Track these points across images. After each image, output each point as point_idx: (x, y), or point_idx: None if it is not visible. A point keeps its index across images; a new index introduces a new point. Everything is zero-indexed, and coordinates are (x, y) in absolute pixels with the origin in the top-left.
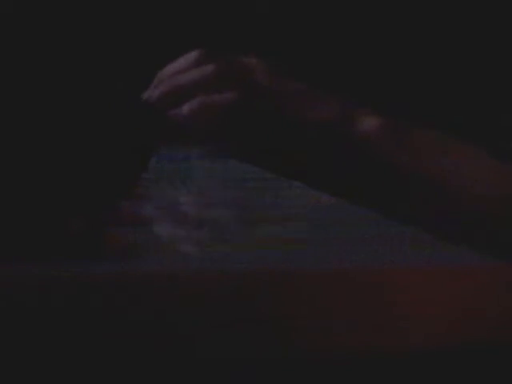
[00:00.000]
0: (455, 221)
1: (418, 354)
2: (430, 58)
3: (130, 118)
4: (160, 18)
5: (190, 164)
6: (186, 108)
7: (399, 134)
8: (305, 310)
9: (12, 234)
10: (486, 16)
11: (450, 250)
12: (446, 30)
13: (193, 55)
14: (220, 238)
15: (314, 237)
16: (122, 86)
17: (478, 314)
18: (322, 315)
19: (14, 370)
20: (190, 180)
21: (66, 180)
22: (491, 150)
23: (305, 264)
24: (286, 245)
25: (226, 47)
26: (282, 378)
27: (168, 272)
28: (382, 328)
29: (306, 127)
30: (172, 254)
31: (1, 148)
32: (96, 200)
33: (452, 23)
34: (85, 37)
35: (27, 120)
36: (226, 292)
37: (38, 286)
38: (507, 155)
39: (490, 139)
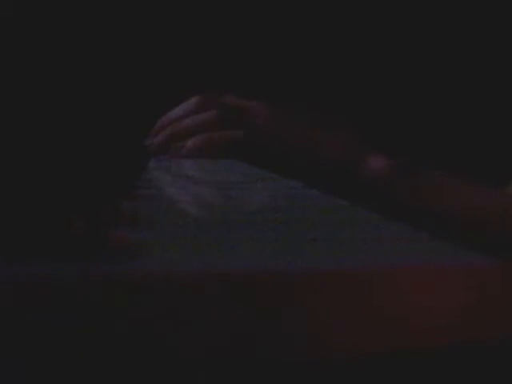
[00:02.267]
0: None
1: (417, 354)
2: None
3: (129, 121)
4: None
5: (190, 164)
6: (189, 144)
7: (406, 175)
8: (304, 310)
9: (12, 234)
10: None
11: (449, 250)
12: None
13: (192, 101)
14: (219, 238)
15: (314, 237)
16: (121, 88)
17: (478, 314)
18: (322, 315)
19: (14, 370)
20: (191, 180)
21: (66, 180)
22: (494, 184)
23: (305, 264)
24: (286, 245)
25: (225, 86)
26: (282, 378)
27: (168, 272)
28: (381, 328)
29: (312, 168)
30: (172, 253)
31: (1, 149)
32: (96, 200)
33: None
34: (84, 37)
35: (28, 121)
36: (226, 292)
37: (37, 285)
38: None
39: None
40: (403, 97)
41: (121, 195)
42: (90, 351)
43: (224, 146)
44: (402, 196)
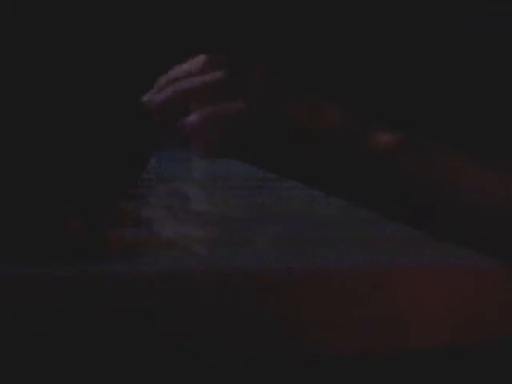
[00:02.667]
0: (459, 226)
1: (418, 354)
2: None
3: (129, 120)
4: (161, 19)
5: (190, 164)
6: (193, 118)
7: (409, 146)
8: (304, 310)
9: (12, 234)
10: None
11: (449, 250)
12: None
13: (198, 60)
14: (220, 238)
15: (314, 237)
16: (122, 88)
17: (478, 314)
18: (322, 315)
19: (14, 371)
20: (190, 180)
21: (67, 180)
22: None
23: (305, 264)
24: (286, 245)
25: (227, 48)
26: (281, 378)
27: (168, 272)
28: (381, 328)
29: (314, 137)
30: (172, 253)
31: (2, 149)
32: (96, 200)
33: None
34: (84, 38)
35: (28, 121)
36: (226, 292)
37: (37, 286)
38: None
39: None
40: (402, 96)
41: (121, 195)
42: (90, 350)
43: (227, 121)
44: (408, 170)
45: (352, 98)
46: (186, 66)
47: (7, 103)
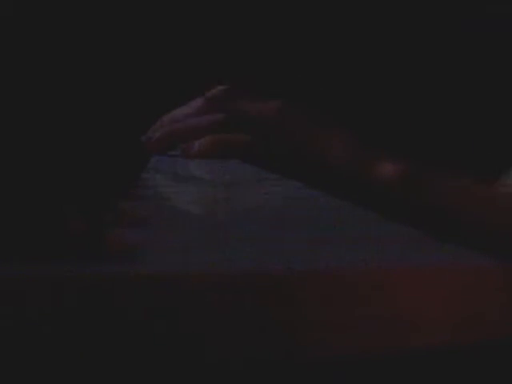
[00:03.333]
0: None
1: (418, 354)
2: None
3: (128, 122)
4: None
5: (190, 164)
6: (198, 144)
7: (413, 178)
8: (304, 310)
9: (11, 234)
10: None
11: (449, 250)
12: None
13: (200, 102)
14: (219, 238)
15: (314, 237)
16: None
17: (478, 314)
18: (322, 315)
19: (14, 371)
20: (190, 180)
21: (66, 180)
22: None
23: (305, 264)
24: (285, 245)
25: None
26: (281, 379)
27: (168, 272)
28: (381, 328)
29: (320, 169)
30: (172, 254)
31: (2, 149)
32: (96, 200)
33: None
34: (84, 36)
35: (27, 121)
36: (225, 292)
37: (37, 286)
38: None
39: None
40: (401, 98)
41: (121, 195)
42: (90, 351)
43: (232, 149)
44: (407, 201)
45: (352, 113)
46: (185, 108)
47: (8, 104)
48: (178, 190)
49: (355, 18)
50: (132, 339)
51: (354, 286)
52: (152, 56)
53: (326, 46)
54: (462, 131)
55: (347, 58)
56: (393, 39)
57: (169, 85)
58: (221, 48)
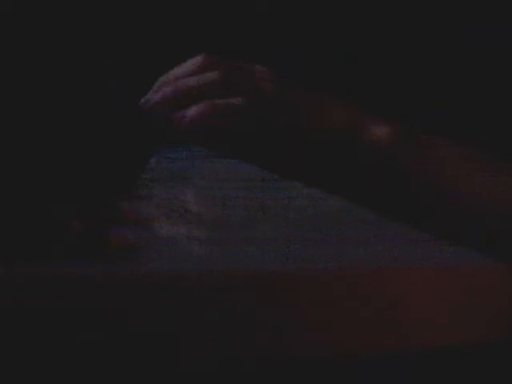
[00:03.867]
0: (457, 223)
1: (417, 354)
2: (437, 63)
3: (129, 120)
4: (160, 21)
5: (190, 164)
6: (191, 111)
7: (409, 141)
8: (304, 310)
9: (11, 234)
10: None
11: (450, 250)
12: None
13: (196, 61)
14: (220, 238)
15: (314, 237)
16: (119, 88)
17: (478, 314)
18: (322, 315)
19: (14, 371)
20: (190, 180)
21: (66, 180)
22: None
23: (305, 264)
24: (285, 245)
25: (226, 50)
26: (281, 379)
27: (168, 272)
28: (382, 328)
29: (313, 133)
30: (172, 253)
31: (2, 150)
32: (96, 200)
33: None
34: (85, 39)
35: (27, 120)
36: (226, 292)
37: (37, 286)
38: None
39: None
40: (400, 97)
41: (121, 195)
42: (90, 350)
43: (228, 115)
44: (405, 163)
45: (354, 97)
46: (183, 67)
47: (7, 104)
48: (178, 190)
49: (355, 17)
50: (132, 339)
51: (354, 286)
52: (153, 56)
53: (326, 43)
54: (463, 132)
55: (347, 55)
56: (392, 39)
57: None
58: (219, 46)
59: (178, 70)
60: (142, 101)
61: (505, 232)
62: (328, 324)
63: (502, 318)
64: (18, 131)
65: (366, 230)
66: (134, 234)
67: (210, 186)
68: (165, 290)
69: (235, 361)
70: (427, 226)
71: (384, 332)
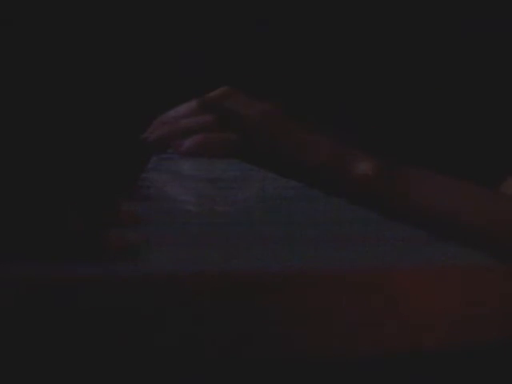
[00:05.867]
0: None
1: (417, 354)
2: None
3: (128, 124)
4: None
5: (190, 164)
6: (187, 143)
7: (392, 174)
8: (304, 310)
9: (12, 234)
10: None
11: (449, 250)
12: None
13: (193, 103)
14: (220, 238)
15: (314, 237)
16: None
17: (478, 314)
18: (322, 315)
19: (14, 371)
20: (190, 180)
21: (67, 180)
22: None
23: (305, 264)
24: (286, 245)
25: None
26: (281, 379)
27: (168, 272)
28: (382, 328)
29: (302, 169)
30: (172, 254)
31: (3, 149)
32: (96, 200)
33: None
34: (84, 37)
35: (28, 121)
36: (225, 292)
37: (38, 286)
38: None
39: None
40: (398, 98)
41: (121, 195)
42: (89, 350)
43: (221, 147)
44: (390, 197)
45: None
46: (180, 108)
47: (9, 105)
48: (177, 190)
49: (354, 17)
50: (132, 338)
51: (354, 285)
52: (150, 58)
53: (320, 47)
54: (459, 135)
55: (342, 59)
56: (391, 39)
57: (166, 87)
58: (217, 50)
59: (174, 112)
60: (140, 138)
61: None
62: (328, 324)
63: (502, 317)
64: (18, 132)
65: (366, 230)
66: (134, 234)
67: (209, 185)
68: (165, 289)
69: (235, 361)
70: (427, 226)
71: (384, 332)
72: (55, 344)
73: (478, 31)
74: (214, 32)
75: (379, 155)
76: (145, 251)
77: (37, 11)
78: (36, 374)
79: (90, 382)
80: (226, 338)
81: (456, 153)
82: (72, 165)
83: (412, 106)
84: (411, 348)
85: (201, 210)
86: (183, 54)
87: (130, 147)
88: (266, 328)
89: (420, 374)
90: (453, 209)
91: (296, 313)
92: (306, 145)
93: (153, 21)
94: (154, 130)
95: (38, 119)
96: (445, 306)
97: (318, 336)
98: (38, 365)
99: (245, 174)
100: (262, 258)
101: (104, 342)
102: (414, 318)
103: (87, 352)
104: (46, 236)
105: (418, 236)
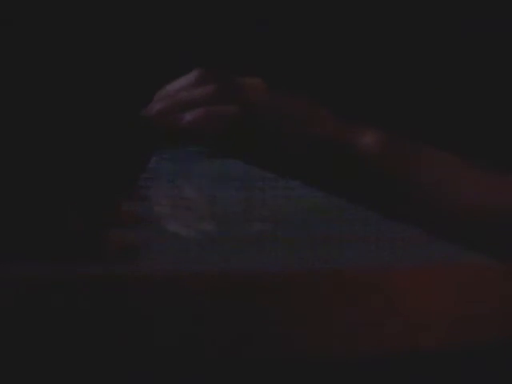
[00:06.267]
0: (453, 224)
1: (417, 354)
2: (428, 71)
3: (128, 124)
4: (159, 35)
5: (190, 164)
6: (188, 116)
7: (397, 147)
8: (305, 309)
9: (12, 234)
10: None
11: (449, 250)
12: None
13: (193, 75)
14: (219, 238)
15: (314, 237)
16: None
17: (478, 314)
18: (322, 315)
19: (14, 370)
20: (190, 180)
21: (67, 180)
22: (486, 162)
23: (305, 264)
24: (286, 245)
25: (225, 65)
26: (281, 378)
27: (168, 272)
28: (381, 328)
29: (304, 142)
30: (172, 253)
31: (3, 149)
32: (96, 200)
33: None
34: (83, 35)
35: (28, 121)
36: (225, 292)
37: (38, 286)
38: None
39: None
40: (400, 96)
41: (121, 195)
42: (89, 350)
43: (222, 120)
44: (393, 170)
45: (345, 102)
46: (180, 81)
47: (8, 104)
48: (177, 190)
49: (355, 16)
50: (132, 338)
51: (354, 285)
52: (150, 58)
53: (323, 43)
54: (459, 134)
55: (346, 55)
56: (392, 37)
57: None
58: (218, 45)
59: (175, 84)
60: (141, 113)
61: (492, 229)
62: (328, 324)
63: (502, 317)
64: (18, 132)
65: (366, 230)
66: (134, 234)
67: (209, 185)
68: (165, 289)
69: (235, 360)
70: (427, 226)
71: (383, 332)
72: (55, 344)
73: (477, 31)
74: (213, 32)
75: (384, 129)
76: (145, 251)
77: (37, 11)
78: (36, 373)
79: (90, 381)
80: (226, 337)
81: (456, 152)
82: (72, 165)
83: (412, 104)
84: (411, 348)
85: (201, 210)
86: (183, 54)
87: (130, 147)
88: (266, 328)
89: (420, 374)
90: (458, 187)
91: (296, 313)
92: (310, 118)
93: (152, 19)
94: (154, 105)
95: (37, 119)
96: (444, 306)
97: (317, 336)
98: (38, 364)
99: (245, 173)
100: (262, 258)
101: (104, 342)
102: (414, 318)
103: (87, 352)
104: (46, 236)
105: (418, 236)
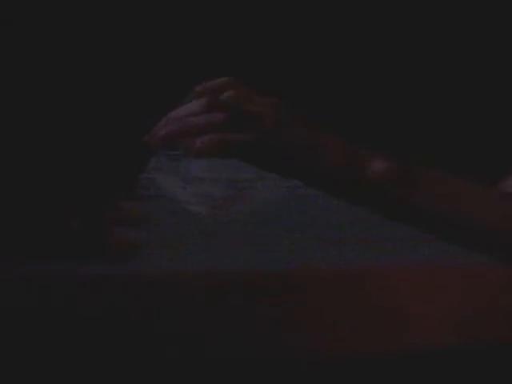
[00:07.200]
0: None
1: (417, 354)
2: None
3: (129, 128)
4: (165, 42)
5: (190, 163)
6: (201, 142)
7: (406, 174)
8: (305, 309)
9: (12, 234)
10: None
11: (449, 250)
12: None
13: (203, 101)
14: (220, 238)
15: (314, 237)
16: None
17: (478, 314)
18: (322, 315)
19: (14, 370)
20: (190, 179)
21: (67, 180)
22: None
23: (305, 264)
24: (286, 245)
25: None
26: (281, 378)
27: (168, 272)
28: (381, 328)
29: (316, 168)
30: (172, 253)
31: (3, 150)
32: (96, 200)
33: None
34: (85, 36)
35: (29, 122)
36: (226, 292)
37: (38, 286)
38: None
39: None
40: (402, 97)
41: (121, 195)
42: (89, 350)
43: (235, 147)
44: (402, 198)
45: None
46: (189, 107)
47: (9, 106)
48: (178, 190)
49: (355, 18)
50: (132, 338)
51: (354, 286)
52: (153, 55)
53: (324, 46)
54: (461, 133)
55: (346, 58)
56: (391, 40)
57: (171, 84)
58: (222, 47)
59: (184, 109)
60: (149, 135)
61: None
62: (328, 324)
63: (502, 317)
64: (20, 133)
65: (367, 231)
66: (134, 234)
67: (209, 185)
68: (165, 289)
69: (235, 360)
70: (427, 226)
71: (383, 332)
72: (55, 343)
73: (478, 31)
74: (213, 32)
75: (393, 155)
76: (145, 251)
77: (37, 11)
78: (36, 373)
79: (90, 381)
80: (226, 337)
81: (455, 152)
82: (72, 165)
83: (411, 105)
84: (411, 348)
85: (201, 210)
86: (183, 55)
87: (130, 147)
88: (266, 328)
89: (420, 374)
90: (466, 210)
91: (296, 313)
92: (320, 145)
93: (153, 20)
94: (162, 127)
95: (37, 119)
96: (445, 306)
97: (317, 336)
98: (38, 364)
99: (245, 174)
100: (262, 258)
101: (104, 342)
102: (414, 318)
103: (87, 351)
104: (47, 236)
105: (418, 236)
